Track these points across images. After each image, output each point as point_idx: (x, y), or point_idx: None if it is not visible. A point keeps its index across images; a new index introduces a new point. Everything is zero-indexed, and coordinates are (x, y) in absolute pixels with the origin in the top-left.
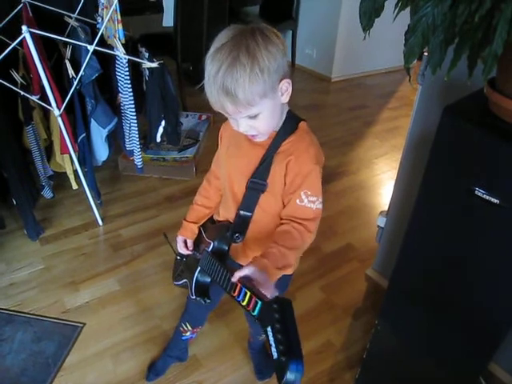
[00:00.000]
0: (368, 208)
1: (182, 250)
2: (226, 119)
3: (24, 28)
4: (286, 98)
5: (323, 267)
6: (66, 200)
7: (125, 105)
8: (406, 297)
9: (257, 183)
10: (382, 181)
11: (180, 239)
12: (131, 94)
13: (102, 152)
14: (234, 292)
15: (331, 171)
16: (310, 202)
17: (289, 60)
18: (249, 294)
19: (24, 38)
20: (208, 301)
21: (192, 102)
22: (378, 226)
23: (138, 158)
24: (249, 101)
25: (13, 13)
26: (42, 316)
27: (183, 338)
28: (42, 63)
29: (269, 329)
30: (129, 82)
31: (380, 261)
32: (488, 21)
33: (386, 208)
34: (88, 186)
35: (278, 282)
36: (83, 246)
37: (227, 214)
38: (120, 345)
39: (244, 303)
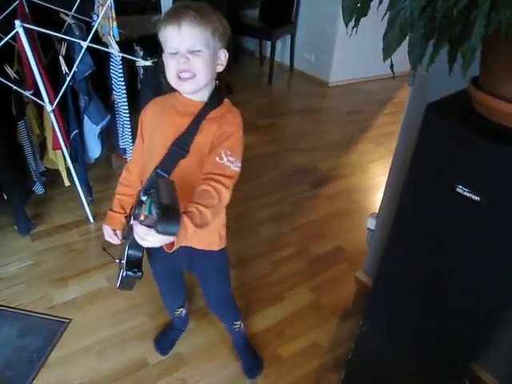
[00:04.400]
0: (360, 211)
1: (112, 239)
2: None
3: (17, 23)
4: (220, 68)
5: (313, 269)
6: (59, 197)
7: (118, 102)
8: (390, 298)
9: (179, 147)
10: (375, 185)
11: (107, 228)
12: (124, 91)
13: (94, 149)
14: (138, 219)
15: (325, 174)
16: (228, 161)
17: (282, 62)
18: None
19: (17, 32)
20: (138, 273)
21: None
22: (368, 229)
23: (130, 157)
24: (200, 23)
25: (9, 9)
26: (28, 311)
27: (183, 316)
28: (35, 58)
29: (152, 205)
30: (122, 79)
31: (370, 263)
32: (466, 15)
33: (377, 211)
34: (80, 183)
35: (217, 258)
36: (74, 242)
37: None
38: (106, 341)
39: (143, 217)
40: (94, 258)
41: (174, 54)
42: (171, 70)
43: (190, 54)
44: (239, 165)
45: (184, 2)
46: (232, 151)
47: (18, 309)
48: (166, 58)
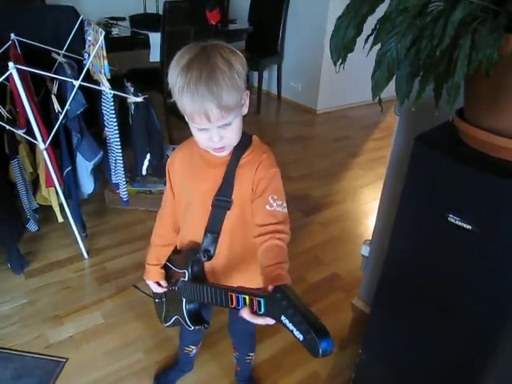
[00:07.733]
0: (353, 238)
1: (158, 290)
2: None
3: (11, 64)
4: (245, 110)
5: (308, 297)
6: (52, 233)
7: (110, 138)
8: (388, 325)
9: (221, 200)
10: (366, 210)
11: (151, 283)
12: (116, 128)
13: (87, 185)
14: (232, 303)
15: (316, 202)
16: (278, 206)
17: (269, 91)
18: (247, 297)
19: (10, 73)
20: (207, 326)
21: (179, 135)
22: (362, 255)
23: (123, 191)
24: (229, 105)
25: (1, 50)
26: (23, 352)
27: (191, 356)
28: (27, 98)
29: (283, 318)
30: (114, 116)
31: (365, 290)
32: (449, 55)
33: (370, 237)
34: (73, 219)
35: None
36: (68, 279)
37: (194, 238)
38: (103, 380)
39: (252, 310)
40: (89, 294)
41: (203, 129)
42: (202, 142)
43: (222, 128)
44: (286, 205)
45: (198, 69)
46: (277, 194)
47: (13, 350)
48: (191, 126)
